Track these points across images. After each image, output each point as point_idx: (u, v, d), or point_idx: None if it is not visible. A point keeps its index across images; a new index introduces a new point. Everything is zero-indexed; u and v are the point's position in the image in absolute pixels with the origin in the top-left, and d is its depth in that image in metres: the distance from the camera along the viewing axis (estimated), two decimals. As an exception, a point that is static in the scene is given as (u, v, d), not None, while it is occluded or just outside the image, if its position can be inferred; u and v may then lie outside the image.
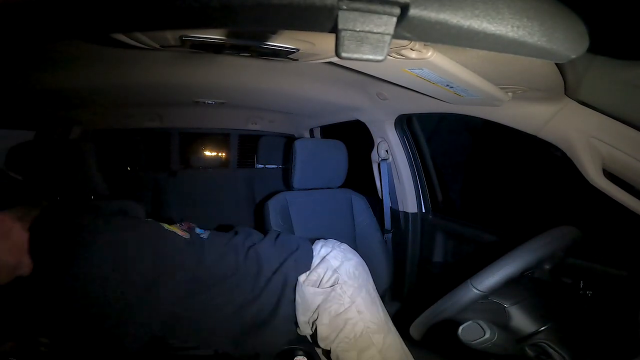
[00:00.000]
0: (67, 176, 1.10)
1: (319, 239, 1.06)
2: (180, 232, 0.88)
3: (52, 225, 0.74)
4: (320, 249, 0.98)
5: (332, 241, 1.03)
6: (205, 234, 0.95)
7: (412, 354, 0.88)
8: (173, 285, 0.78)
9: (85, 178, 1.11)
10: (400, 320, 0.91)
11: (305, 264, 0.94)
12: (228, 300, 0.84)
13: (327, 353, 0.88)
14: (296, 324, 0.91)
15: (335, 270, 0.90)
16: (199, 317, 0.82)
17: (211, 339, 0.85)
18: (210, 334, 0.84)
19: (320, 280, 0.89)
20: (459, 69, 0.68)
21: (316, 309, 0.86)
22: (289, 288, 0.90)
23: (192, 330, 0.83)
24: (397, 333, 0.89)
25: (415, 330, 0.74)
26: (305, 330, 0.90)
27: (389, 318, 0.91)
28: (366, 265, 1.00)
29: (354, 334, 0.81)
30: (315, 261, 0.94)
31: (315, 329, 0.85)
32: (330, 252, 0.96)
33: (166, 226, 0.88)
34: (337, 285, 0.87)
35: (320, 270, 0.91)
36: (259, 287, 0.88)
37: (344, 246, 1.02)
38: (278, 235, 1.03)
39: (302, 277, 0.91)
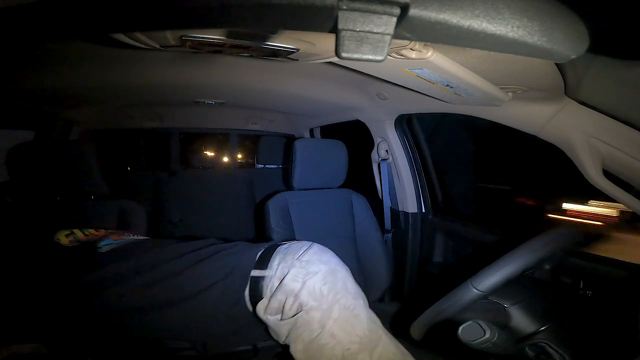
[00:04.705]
0: (67, 176, 1.10)
1: (302, 240, 0.92)
2: (65, 242, 0.89)
3: None
4: (278, 268, 0.80)
5: (293, 250, 0.84)
6: (110, 247, 0.87)
7: (412, 354, 0.86)
8: (53, 294, 0.76)
9: (85, 178, 1.11)
10: (400, 320, 0.91)
11: (234, 298, 0.80)
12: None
13: None
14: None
15: (296, 296, 0.75)
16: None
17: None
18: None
19: (283, 309, 0.76)
20: (459, 69, 0.68)
21: (286, 336, 0.76)
22: (220, 317, 0.79)
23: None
24: (390, 338, 0.76)
25: (415, 330, 0.74)
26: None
27: (378, 324, 0.77)
28: (342, 270, 0.82)
29: (335, 357, 0.71)
30: (274, 284, 0.79)
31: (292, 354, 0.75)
32: (288, 272, 0.78)
33: (58, 236, 0.89)
34: (301, 312, 0.74)
35: (281, 297, 0.76)
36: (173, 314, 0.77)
37: (309, 254, 0.82)
38: (208, 257, 0.84)
39: (260, 307, 0.78)
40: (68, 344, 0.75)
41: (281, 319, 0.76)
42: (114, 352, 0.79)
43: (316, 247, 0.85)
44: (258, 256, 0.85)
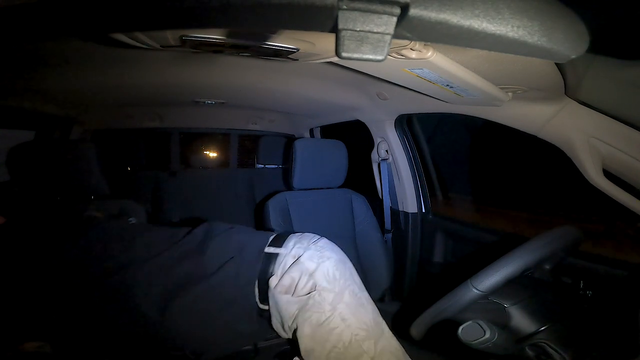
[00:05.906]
0: (67, 176, 1.10)
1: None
2: (99, 215, 0.94)
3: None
4: (293, 248, 0.83)
5: (307, 236, 0.88)
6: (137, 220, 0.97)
7: (412, 354, 0.86)
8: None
9: (85, 178, 1.11)
10: (400, 320, 0.91)
11: (248, 276, 0.81)
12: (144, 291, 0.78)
13: None
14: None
15: (311, 275, 0.77)
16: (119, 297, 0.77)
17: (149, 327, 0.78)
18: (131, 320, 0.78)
19: (295, 286, 0.78)
20: (459, 69, 0.68)
21: (294, 319, 0.76)
22: (236, 298, 0.80)
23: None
24: (391, 334, 0.78)
25: (415, 330, 0.74)
26: (282, 335, 0.84)
27: (381, 318, 0.79)
28: (349, 262, 0.86)
29: (342, 342, 0.72)
30: (288, 261, 0.81)
31: (297, 340, 0.76)
32: (304, 252, 0.81)
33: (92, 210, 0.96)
34: (314, 292, 0.75)
35: (295, 274, 0.78)
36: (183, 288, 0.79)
37: (322, 242, 0.87)
38: (218, 234, 0.88)
39: (273, 281, 0.79)
40: (72, 344, 0.75)
41: (292, 296, 0.77)
42: (117, 354, 0.79)
43: (326, 239, 0.90)
44: (271, 238, 0.89)
